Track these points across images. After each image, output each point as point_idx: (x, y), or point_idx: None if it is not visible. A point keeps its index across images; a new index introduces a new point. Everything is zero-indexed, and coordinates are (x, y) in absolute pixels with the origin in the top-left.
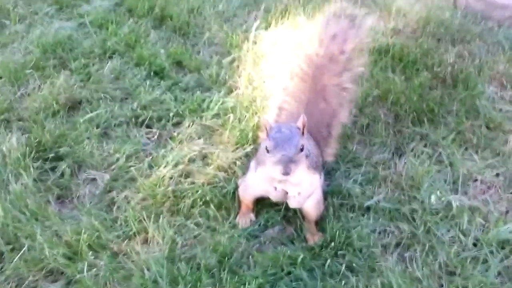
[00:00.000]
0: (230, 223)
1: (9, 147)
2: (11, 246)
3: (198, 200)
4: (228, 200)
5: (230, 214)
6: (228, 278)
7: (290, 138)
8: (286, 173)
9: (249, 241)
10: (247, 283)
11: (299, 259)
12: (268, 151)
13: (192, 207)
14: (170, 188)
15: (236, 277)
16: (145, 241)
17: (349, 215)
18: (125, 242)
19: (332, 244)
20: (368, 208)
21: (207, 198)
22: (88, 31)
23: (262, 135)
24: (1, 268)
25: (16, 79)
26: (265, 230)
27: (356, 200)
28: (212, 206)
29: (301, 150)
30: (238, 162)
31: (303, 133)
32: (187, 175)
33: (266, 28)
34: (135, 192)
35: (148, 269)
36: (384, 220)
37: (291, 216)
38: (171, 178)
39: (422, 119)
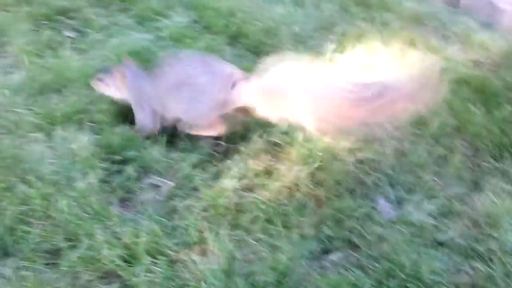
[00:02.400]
0: (291, 242)
1: (79, 146)
2: (70, 243)
3: (260, 215)
4: (290, 218)
5: (292, 232)
6: None
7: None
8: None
9: (310, 263)
10: None
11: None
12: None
13: (253, 222)
14: (232, 201)
15: None
16: (203, 252)
17: (420, 248)
18: (183, 250)
19: (401, 275)
20: (441, 243)
21: (269, 215)
22: (165, 44)
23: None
24: (58, 264)
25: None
26: (328, 254)
27: (428, 233)
28: (273, 223)
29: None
30: (303, 181)
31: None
32: (250, 190)
33: (341, 52)
34: (197, 202)
35: (204, 281)
36: (458, 258)
37: (356, 240)
38: (234, 191)
39: (504, 154)
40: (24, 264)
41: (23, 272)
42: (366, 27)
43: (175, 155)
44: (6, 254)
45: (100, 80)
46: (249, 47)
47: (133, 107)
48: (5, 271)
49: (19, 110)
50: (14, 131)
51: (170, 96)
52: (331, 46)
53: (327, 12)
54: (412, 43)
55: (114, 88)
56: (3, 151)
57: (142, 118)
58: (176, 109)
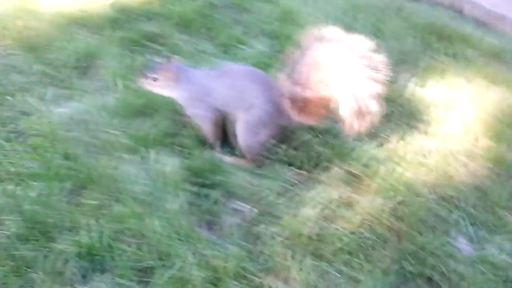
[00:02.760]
0: (373, 276)
1: (170, 169)
2: (161, 263)
3: (342, 247)
4: (372, 252)
5: (374, 267)
6: None
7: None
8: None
9: None
10: None
11: None
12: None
13: (335, 253)
14: (314, 231)
15: None
16: (286, 280)
17: None
18: (267, 276)
19: None
20: None
21: (351, 247)
22: None
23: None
24: (150, 282)
25: (180, 109)
26: None
27: (510, 274)
28: (355, 255)
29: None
30: (384, 214)
31: None
32: (332, 220)
33: (422, 86)
34: (281, 230)
35: None
36: None
37: (437, 278)
38: (316, 221)
39: None
40: (119, 281)
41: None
42: (448, 62)
43: (259, 181)
44: (103, 270)
45: (147, 77)
46: None
47: (184, 103)
48: (101, 285)
49: (115, 132)
50: (111, 152)
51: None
52: (412, 80)
53: (408, 45)
54: (493, 80)
55: (162, 86)
56: (100, 170)
57: (197, 112)
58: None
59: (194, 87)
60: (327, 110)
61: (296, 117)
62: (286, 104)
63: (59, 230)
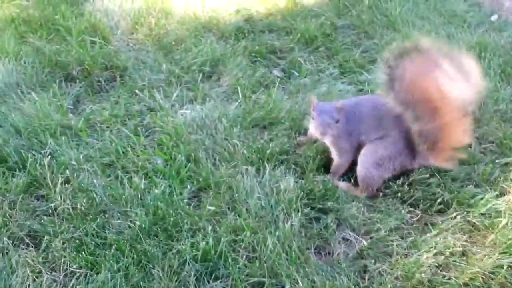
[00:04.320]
0: None
1: (285, 187)
2: (271, 280)
3: None
4: None
5: None
6: None
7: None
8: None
9: None
10: None
11: None
12: (313, 118)
13: None
14: (426, 276)
15: None
16: None
17: None
18: None
19: None
20: None
21: None
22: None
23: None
24: None
25: (296, 126)
26: None
27: None
28: None
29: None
30: (502, 271)
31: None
32: (444, 268)
33: None
34: (390, 268)
35: None
36: None
37: None
38: (429, 266)
39: None
40: None
41: None
42: None
43: (371, 214)
44: (216, 277)
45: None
46: None
47: (332, 147)
48: None
49: (234, 141)
50: (229, 160)
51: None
52: None
53: None
54: None
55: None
56: (219, 178)
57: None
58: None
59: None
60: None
61: (428, 159)
62: (418, 143)
63: (179, 230)
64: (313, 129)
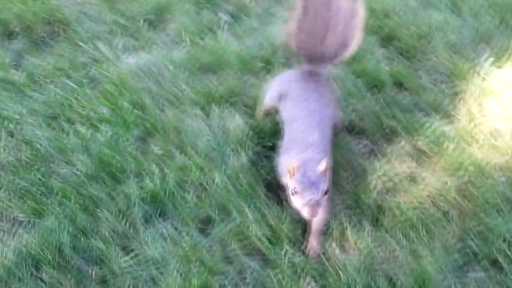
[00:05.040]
0: (433, 251)
1: (234, 126)
2: (221, 216)
3: (404, 220)
4: (433, 228)
5: (435, 242)
6: None
7: (316, 182)
8: (313, 215)
9: (451, 275)
10: None
11: None
12: (295, 193)
13: (395, 225)
14: (376, 203)
15: None
16: (344, 246)
17: None
18: (325, 241)
19: None
20: None
21: (412, 221)
22: None
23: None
24: (209, 232)
25: (246, 69)
26: (470, 270)
27: None
28: (416, 229)
29: (325, 193)
30: (449, 192)
31: (325, 176)
32: (394, 193)
33: (497, 66)
34: (341, 197)
35: (343, 273)
36: None
37: (502, 262)
38: (378, 192)
39: None
40: (180, 228)
41: (179, 234)
42: None
43: None
44: (165, 216)
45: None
46: (401, 51)
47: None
48: (164, 231)
49: (181, 86)
50: (176, 105)
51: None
52: (488, 60)
53: (486, 23)
54: None
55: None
56: (166, 122)
57: None
58: None
59: None
60: None
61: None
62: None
63: (125, 174)
64: (298, 207)
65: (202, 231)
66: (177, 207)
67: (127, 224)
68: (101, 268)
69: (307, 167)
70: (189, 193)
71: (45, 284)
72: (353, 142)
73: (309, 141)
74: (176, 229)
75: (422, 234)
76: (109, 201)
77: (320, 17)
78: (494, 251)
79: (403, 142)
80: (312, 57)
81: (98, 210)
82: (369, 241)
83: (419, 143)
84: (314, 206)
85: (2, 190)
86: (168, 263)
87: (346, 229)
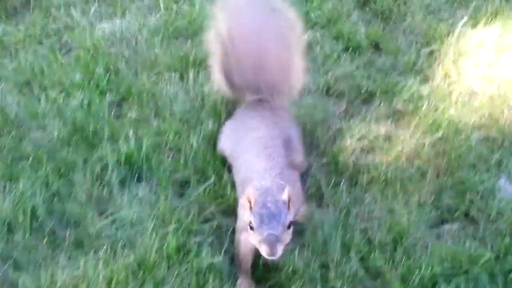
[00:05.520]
0: (408, 207)
1: (209, 91)
2: (197, 178)
3: (378, 177)
4: (408, 184)
5: (410, 198)
6: (403, 259)
7: (276, 215)
8: (272, 254)
9: (427, 230)
10: (421, 268)
11: (482, 260)
12: (252, 228)
13: (370, 182)
14: (351, 160)
15: (411, 260)
16: (320, 204)
17: None
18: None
19: None
20: None
21: (387, 178)
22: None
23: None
24: (186, 194)
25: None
26: (445, 223)
27: None
28: (391, 186)
29: (288, 227)
30: (425, 149)
31: (289, 207)
32: (369, 151)
33: (472, 27)
34: (316, 156)
35: (321, 229)
36: None
37: (474, 214)
38: (353, 150)
39: None
40: (156, 190)
41: (156, 197)
42: (501, 3)
43: (297, 110)
44: (141, 178)
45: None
46: (377, 13)
47: None
48: (139, 193)
49: (155, 50)
50: (152, 70)
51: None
52: (463, 20)
53: None
54: None
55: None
56: (140, 86)
57: None
58: None
59: None
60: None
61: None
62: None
63: (99, 138)
64: (256, 245)
65: (179, 194)
66: (153, 170)
67: (103, 187)
68: (77, 230)
69: (267, 199)
70: (165, 156)
71: (18, 247)
72: (330, 103)
73: (260, 169)
74: (153, 192)
75: (398, 192)
76: (84, 165)
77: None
78: (468, 205)
79: (379, 103)
80: (256, 88)
81: (71, 173)
82: (346, 199)
83: (396, 104)
84: (273, 243)
85: None
86: (145, 225)
87: (320, 185)
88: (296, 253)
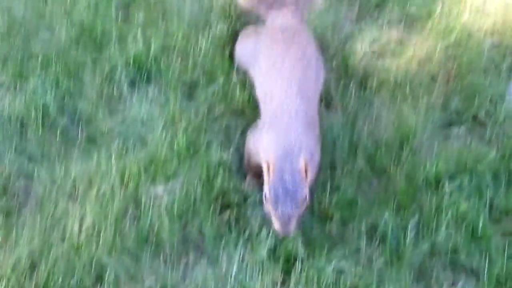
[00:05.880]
0: (417, 110)
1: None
2: (206, 80)
3: (388, 80)
4: (419, 88)
5: (419, 101)
6: (408, 157)
7: (292, 192)
8: (285, 233)
9: (434, 132)
10: (426, 166)
11: (486, 160)
12: (267, 200)
13: (380, 86)
14: (361, 63)
15: (416, 158)
16: (328, 106)
17: None
18: None
19: None
20: None
21: (398, 81)
22: None
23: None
24: (195, 95)
25: None
26: (453, 126)
27: None
28: (401, 90)
29: (304, 202)
30: (437, 54)
31: (306, 175)
32: (380, 55)
33: None
34: (328, 60)
35: (329, 131)
36: None
37: (482, 117)
38: (364, 54)
39: None
40: (165, 91)
41: (165, 98)
42: None
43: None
44: (150, 80)
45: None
46: None
47: None
48: (148, 93)
49: None
50: None
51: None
52: None
53: None
54: None
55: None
56: None
57: None
58: None
59: None
60: None
61: None
62: None
63: (107, 39)
64: (273, 221)
65: (188, 95)
66: (161, 72)
67: (113, 87)
68: (89, 128)
69: (285, 168)
70: (174, 58)
71: (32, 142)
72: (342, 8)
73: (289, 121)
74: (162, 93)
75: (407, 95)
76: (93, 65)
77: None
78: (477, 108)
79: (392, 7)
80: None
81: (81, 73)
82: (355, 102)
83: (409, 8)
84: (286, 222)
85: None
86: (155, 123)
87: (332, 89)
88: None
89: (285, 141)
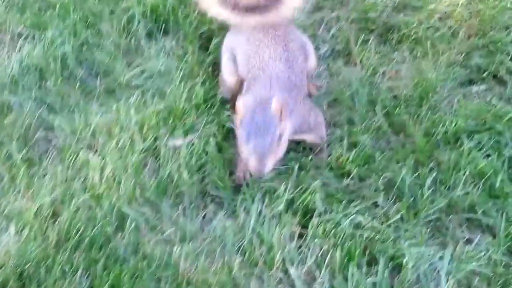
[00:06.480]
0: (437, 66)
1: None
2: (224, 31)
3: (409, 34)
4: (439, 43)
5: (439, 57)
6: (428, 114)
7: (264, 127)
8: (259, 170)
9: (454, 89)
10: (445, 123)
11: (506, 117)
12: (240, 142)
13: (400, 41)
14: (382, 17)
15: (436, 115)
16: (348, 61)
17: None
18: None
19: None
20: None
21: (418, 36)
22: None
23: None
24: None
25: None
26: (473, 84)
27: None
28: (421, 45)
29: (278, 139)
30: (459, 9)
31: (280, 117)
32: (400, 10)
33: None
34: (346, 12)
35: (347, 87)
36: None
37: (503, 75)
38: (384, 8)
39: None
40: (181, 43)
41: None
42: None
43: None
44: (167, 31)
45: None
46: None
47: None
48: (166, 45)
49: None
50: None
51: None
52: None
53: None
54: None
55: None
56: None
57: None
58: None
59: None
60: None
61: None
62: None
63: None
64: (247, 161)
65: (205, 48)
66: (179, 24)
67: (130, 39)
68: (107, 79)
69: (256, 110)
70: (191, 9)
71: (52, 92)
72: None
73: (267, 82)
74: (179, 45)
75: (427, 51)
76: (110, 16)
77: None
78: (498, 65)
79: None
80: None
81: (99, 23)
82: (374, 57)
83: None
84: (260, 158)
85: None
86: (173, 76)
87: (349, 42)
88: (325, 107)
89: (258, 96)
